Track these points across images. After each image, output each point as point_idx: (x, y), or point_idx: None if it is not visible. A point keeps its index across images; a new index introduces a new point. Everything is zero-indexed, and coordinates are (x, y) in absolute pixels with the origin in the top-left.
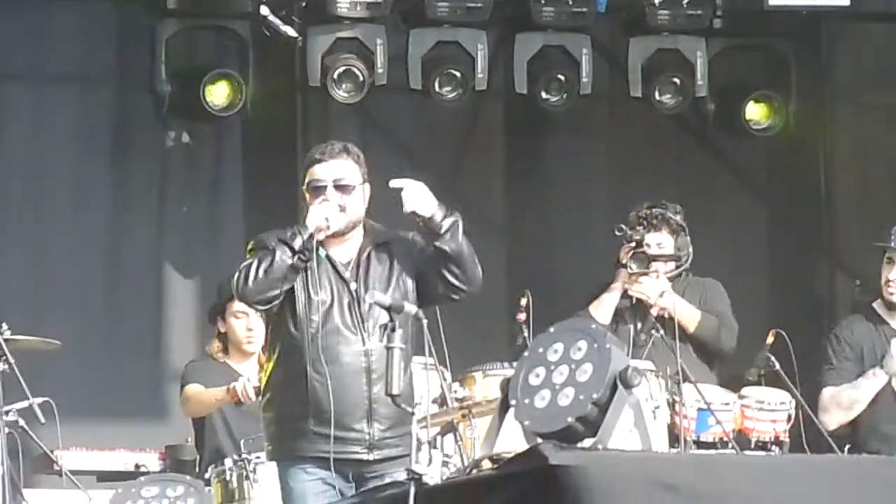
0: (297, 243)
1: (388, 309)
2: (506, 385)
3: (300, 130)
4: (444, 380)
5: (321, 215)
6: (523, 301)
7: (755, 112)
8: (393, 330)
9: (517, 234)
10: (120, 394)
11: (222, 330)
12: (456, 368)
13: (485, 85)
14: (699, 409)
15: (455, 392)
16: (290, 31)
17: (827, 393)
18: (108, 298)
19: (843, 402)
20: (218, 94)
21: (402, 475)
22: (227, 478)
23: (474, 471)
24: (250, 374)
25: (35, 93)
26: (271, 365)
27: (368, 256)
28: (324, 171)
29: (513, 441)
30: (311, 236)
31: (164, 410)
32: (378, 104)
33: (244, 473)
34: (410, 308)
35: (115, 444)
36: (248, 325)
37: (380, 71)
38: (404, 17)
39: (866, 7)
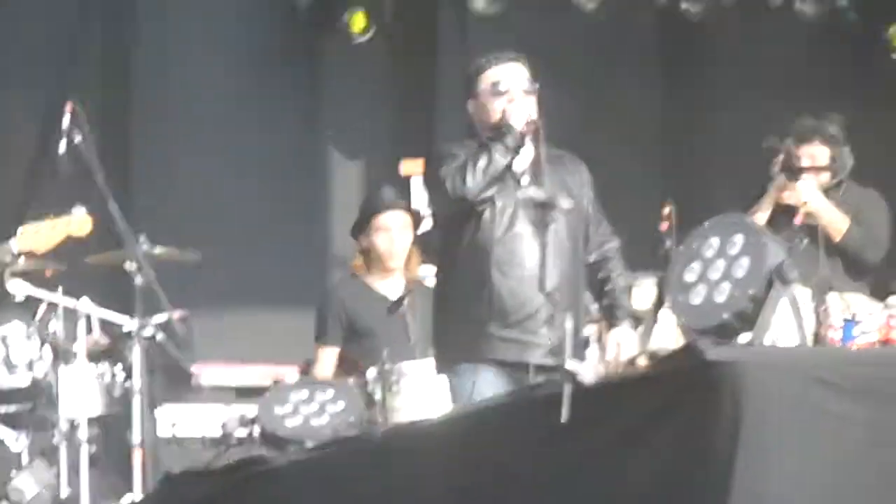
0: (510, 141)
1: (543, 206)
2: (661, 282)
3: (438, 41)
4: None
5: (524, 113)
6: (666, 210)
7: None
8: (546, 226)
9: (670, 144)
10: (257, 307)
11: (365, 245)
12: None
13: None
14: (844, 320)
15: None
16: None
17: None
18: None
19: None
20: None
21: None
22: (370, 389)
23: (630, 369)
24: (392, 292)
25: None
26: (447, 271)
27: (545, 165)
28: (505, 74)
29: (667, 338)
30: (522, 134)
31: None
32: (517, 15)
33: (388, 385)
34: (565, 203)
35: (253, 357)
36: (392, 239)
37: None
38: None
39: None
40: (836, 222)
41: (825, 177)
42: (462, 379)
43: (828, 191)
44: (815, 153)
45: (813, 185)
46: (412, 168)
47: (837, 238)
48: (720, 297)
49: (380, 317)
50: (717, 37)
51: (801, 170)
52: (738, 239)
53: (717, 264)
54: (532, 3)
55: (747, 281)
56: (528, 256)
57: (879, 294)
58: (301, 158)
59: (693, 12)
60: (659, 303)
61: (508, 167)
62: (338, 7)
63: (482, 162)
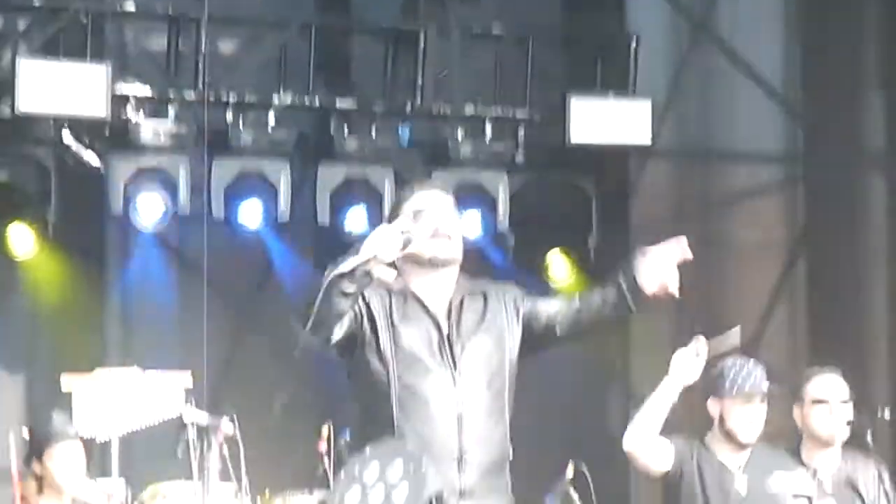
0: (345, 266)
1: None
2: None
3: (105, 257)
4: None
5: (376, 248)
6: (324, 431)
7: (557, 265)
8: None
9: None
10: None
11: (39, 473)
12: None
13: (287, 217)
14: None
15: None
16: (93, 159)
17: None
18: None
19: None
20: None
21: None
22: None
23: None
24: None
25: None
26: (356, 409)
27: (463, 299)
28: (430, 201)
29: None
30: (367, 265)
31: None
32: (180, 232)
33: None
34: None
35: None
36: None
37: (182, 201)
38: (208, 146)
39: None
40: None
41: None
42: None
43: None
44: None
45: None
46: (72, 384)
47: None
48: None
49: None
50: None
51: None
52: (398, 465)
53: (377, 490)
54: (193, 220)
55: None
56: (430, 396)
57: None
58: None
59: (355, 234)
60: None
61: (353, 299)
62: (1, 222)
63: (317, 304)
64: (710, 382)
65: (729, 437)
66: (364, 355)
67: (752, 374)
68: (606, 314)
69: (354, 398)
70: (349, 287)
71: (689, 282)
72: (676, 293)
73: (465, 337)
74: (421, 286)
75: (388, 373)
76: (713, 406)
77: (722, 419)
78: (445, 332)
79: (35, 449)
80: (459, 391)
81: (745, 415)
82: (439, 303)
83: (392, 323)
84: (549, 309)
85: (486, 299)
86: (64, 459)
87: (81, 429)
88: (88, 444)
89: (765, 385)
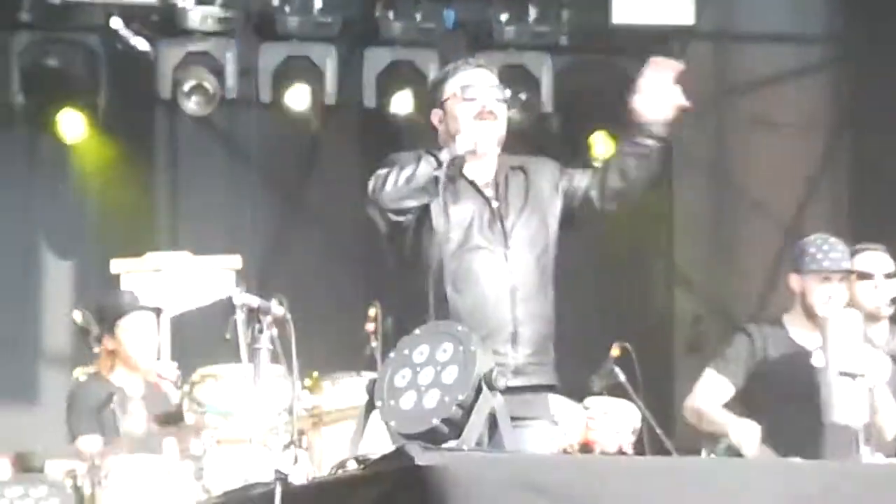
0: (445, 156)
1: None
2: (371, 386)
3: (154, 142)
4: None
5: (473, 139)
6: (371, 311)
7: (600, 145)
8: None
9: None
10: None
11: (111, 347)
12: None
13: (334, 100)
14: None
15: (301, 400)
16: (142, 44)
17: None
18: None
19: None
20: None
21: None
22: (80, 484)
23: (340, 471)
24: (134, 390)
25: None
26: (402, 289)
27: (507, 176)
28: (474, 78)
29: (378, 442)
30: (461, 156)
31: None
32: (228, 117)
33: (96, 479)
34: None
35: None
36: (141, 340)
37: (230, 84)
38: (255, 31)
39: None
40: None
41: None
42: None
43: None
44: None
45: None
46: (122, 267)
47: None
48: (430, 403)
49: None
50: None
51: None
52: (448, 347)
53: (426, 371)
54: (241, 105)
55: (456, 387)
56: (483, 273)
57: (578, 396)
58: (12, 257)
59: (401, 115)
60: (369, 406)
61: (436, 181)
62: (52, 106)
63: (408, 171)
64: (792, 258)
65: (809, 313)
66: (419, 236)
67: (832, 251)
68: (634, 166)
69: (403, 285)
70: (440, 173)
71: (733, 160)
72: (686, 104)
73: (514, 213)
74: (468, 165)
75: (441, 251)
76: (794, 282)
77: (803, 295)
78: (496, 208)
79: (106, 324)
80: (511, 266)
81: (824, 292)
82: (486, 180)
83: (444, 202)
84: (584, 181)
85: (526, 174)
86: (137, 330)
87: (150, 301)
88: (158, 315)
89: (846, 263)
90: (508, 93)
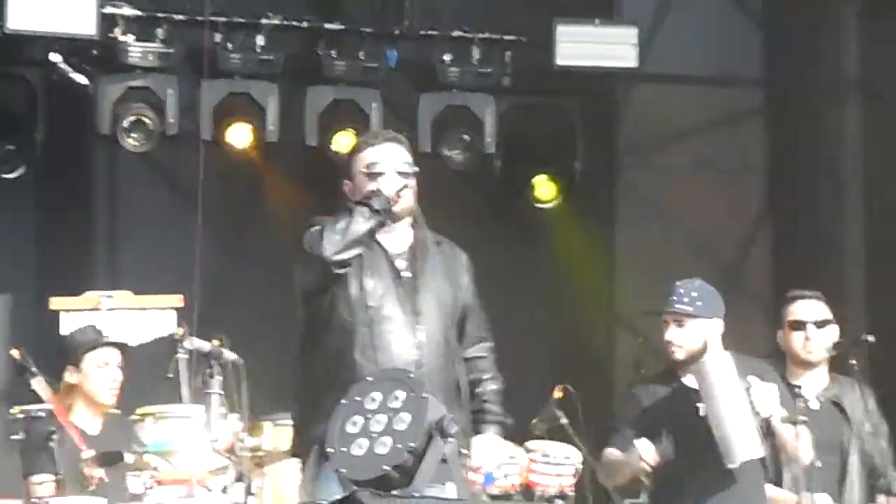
0: (376, 203)
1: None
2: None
3: (93, 177)
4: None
5: (394, 187)
6: None
7: (542, 188)
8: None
9: None
10: None
11: (73, 382)
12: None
13: (276, 137)
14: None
15: (243, 441)
16: (81, 79)
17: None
18: None
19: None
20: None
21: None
22: None
23: None
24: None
25: None
26: (308, 351)
27: (423, 249)
28: (381, 155)
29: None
30: (389, 200)
31: None
32: (169, 153)
33: None
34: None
35: None
36: (110, 376)
37: (170, 120)
38: (197, 67)
39: (653, 68)
40: None
41: None
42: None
43: None
44: None
45: None
46: (62, 304)
47: None
48: (381, 450)
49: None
50: None
51: None
52: (400, 395)
53: (379, 418)
54: (181, 141)
55: (408, 435)
56: (395, 341)
57: (520, 440)
58: None
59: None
60: (321, 452)
61: (371, 232)
62: None
63: (342, 223)
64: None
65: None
66: (335, 299)
67: (674, 294)
68: None
69: (314, 342)
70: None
71: (675, 202)
72: None
73: (425, 287)
74: (382, 235)
75: (354, 317)
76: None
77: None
78: (407, 279)
79: (69, 358)
80: (419, 338)
81: (670, 335)
82: (401, 250)
83: (360, 269)
84: (467, 347)
85: (443, 252)
86: (103, 365)
87: (113, 335)
88: (123, 351)
89: (679, 306)
90: (417, 169)
